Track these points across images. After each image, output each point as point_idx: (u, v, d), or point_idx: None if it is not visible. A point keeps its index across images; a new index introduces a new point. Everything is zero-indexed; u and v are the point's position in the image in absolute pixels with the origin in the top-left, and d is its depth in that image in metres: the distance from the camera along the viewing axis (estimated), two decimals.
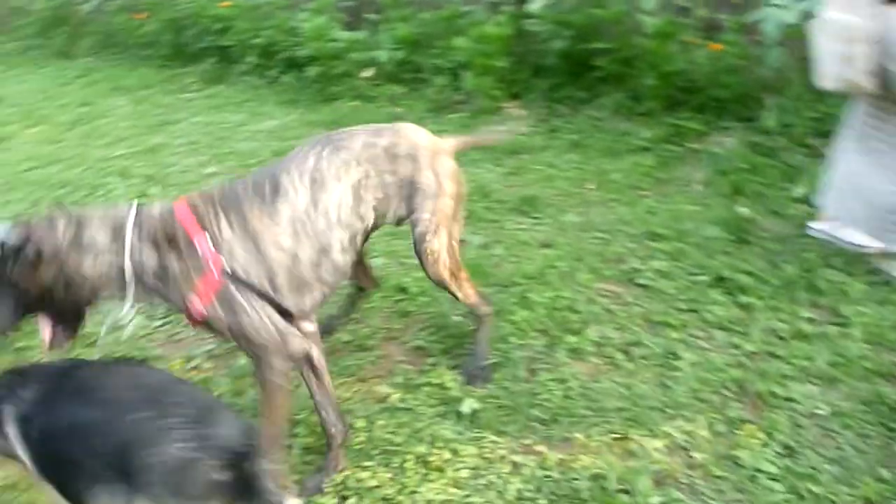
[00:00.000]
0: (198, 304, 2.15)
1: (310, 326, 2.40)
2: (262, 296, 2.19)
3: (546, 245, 3.64)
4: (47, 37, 8.84)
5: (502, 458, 2.49)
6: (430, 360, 2.94)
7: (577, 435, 2.55)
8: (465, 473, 2.43)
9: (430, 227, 2.46)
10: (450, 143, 2.60)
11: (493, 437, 2.57)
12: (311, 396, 2.45)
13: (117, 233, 2.15)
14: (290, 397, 2.34)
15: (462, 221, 2.66)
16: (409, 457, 2.50)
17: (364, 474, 2.46)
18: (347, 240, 2.33)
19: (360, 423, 2.66)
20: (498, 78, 5.12)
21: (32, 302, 2.14)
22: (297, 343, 2.27)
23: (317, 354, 2.42)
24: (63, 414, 1.71)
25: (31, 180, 4.90)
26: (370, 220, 2.39)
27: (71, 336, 2.27)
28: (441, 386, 2.79)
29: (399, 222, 2.54)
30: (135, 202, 2.26)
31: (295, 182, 2.26)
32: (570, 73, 5.11)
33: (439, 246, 2.49)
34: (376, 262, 3.56)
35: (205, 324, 2.22)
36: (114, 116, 6.22)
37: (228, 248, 2.17)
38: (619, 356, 2.90)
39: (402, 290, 3.35)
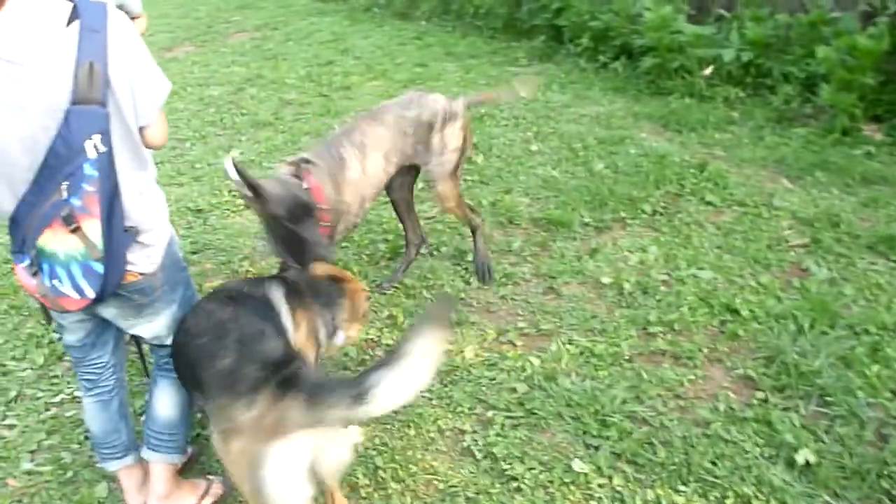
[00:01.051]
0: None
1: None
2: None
3: None
4: None
5: None
6: (760, 395, 2.71)
7: None
8: None
9: (437, 175, 3.27)
10: (460, 103, 3.33)
11: (829, 499, 2.30)
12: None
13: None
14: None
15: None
16: (729, 493, 2.33)
17: (678, 498, 2.33)
18: (376, 192, 3.19)
19: (677, 443, 2.52)
20: (860, 96, 4.58)
21: None
22: None
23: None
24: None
25: None
26: (392, 172, 3.20)
27: None
28: (771, 426, 2.56)
29: (411, 169, 3.35)
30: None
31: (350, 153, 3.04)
32: None
33: (444, 189, 3.31)
34: (703, 275, 3.37)
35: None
36: (445, 81, 6.51)
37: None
38: None
39: (733, 311, 3.12)
